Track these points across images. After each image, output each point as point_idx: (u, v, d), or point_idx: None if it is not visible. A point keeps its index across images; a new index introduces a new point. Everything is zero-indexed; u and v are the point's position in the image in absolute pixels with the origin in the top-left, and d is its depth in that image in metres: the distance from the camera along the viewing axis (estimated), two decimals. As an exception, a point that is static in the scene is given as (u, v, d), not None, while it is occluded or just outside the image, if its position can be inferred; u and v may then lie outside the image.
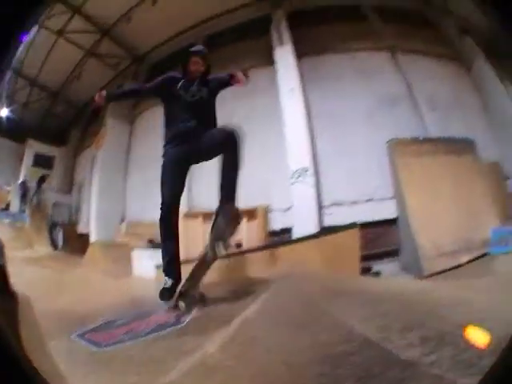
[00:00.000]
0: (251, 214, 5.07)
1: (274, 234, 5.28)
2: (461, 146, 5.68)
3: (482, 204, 5.56)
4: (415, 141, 5.32)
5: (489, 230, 5.18)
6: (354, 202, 5.16)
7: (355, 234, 4.13)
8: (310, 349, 1.59)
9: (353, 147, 5.39)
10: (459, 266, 4.49)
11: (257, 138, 4.99)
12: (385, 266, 4.78)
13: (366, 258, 4.42)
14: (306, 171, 5.11)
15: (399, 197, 4.95)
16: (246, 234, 4.89)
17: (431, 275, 4.32)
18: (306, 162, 5.17)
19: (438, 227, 4.81)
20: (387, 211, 5.07)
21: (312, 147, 5.32)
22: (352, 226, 4.25)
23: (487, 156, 6.30)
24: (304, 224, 4.89)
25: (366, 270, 4.40)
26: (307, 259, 3.82)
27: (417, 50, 6.50)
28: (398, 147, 5.09)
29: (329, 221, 5.02)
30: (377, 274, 4.60)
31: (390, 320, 1.86)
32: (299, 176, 5.13)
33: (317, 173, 5.19)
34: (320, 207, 5.08)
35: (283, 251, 4.07)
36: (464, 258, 4.64)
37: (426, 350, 1.46)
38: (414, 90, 6.04)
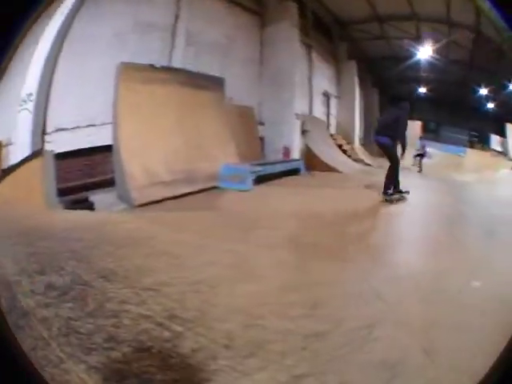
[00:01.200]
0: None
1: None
2: (205, 83, 5.60)
3: (217, 140, 5.51)
4: (150, 68, 4.95)
5: (220, 164, 5.20)
6: (76, 128, 4.65)
7: (39, 165, 3.73)
8: None
9: (90, 72, 4.81)
10: (177, 196, 4.34)
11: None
12: (103, 196, 4.36)
13: (82, 187, 4.19)
14: (30, 97, 4.47)
15: (115, 123, 4.48)
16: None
17: (143, 205, 4.04)
18: (33, 87, 4.46)
19: (154, 156, 4.48)
20: (107, 138, 4.59)
21: (45, 72, 4.55)
22: (31, 157, 3.87)
23: (246, 101, 6.88)
24: (22, 151, 4.33)
25: (78, 202, 4.04)
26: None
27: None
28: (126, 71, 4.57)
29: (51, 147, 4.40)
30: (88, 205, 4.11)
31: (35, 260, 1.94)
32: (24, 102, 4.51)
33: (45, 99, 4.51)
34: (42, 133, 4.47)
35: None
36: (182, 189, 4.48)
37: (45, 299, 1.52)
38: (179, 22, 5.91)
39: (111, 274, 1.84)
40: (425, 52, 12.89)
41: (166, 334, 1.39)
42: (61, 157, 4.10)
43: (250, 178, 5.16)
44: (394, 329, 1.74)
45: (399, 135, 4.60)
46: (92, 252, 2.17)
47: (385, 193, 4.53)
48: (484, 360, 1.26)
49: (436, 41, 12.07)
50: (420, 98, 19.22)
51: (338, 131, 12.02)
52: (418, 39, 12.55)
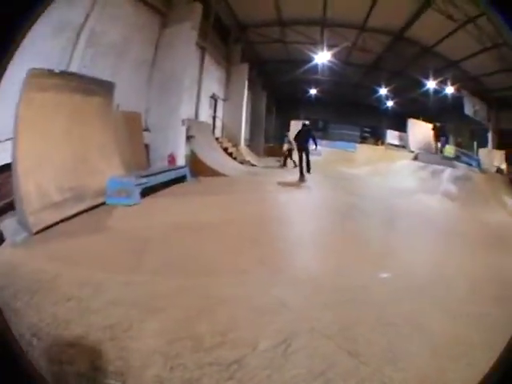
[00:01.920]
0: None
1: None
2: (95, 88, 5.27)
3: (103, 152, 5.24)
4: (49, 73, 4.53)
5: (106, 178, 4.99)
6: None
7: None
8: None
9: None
10: (70, 217, 4.15)
11: None
12: (9, 223, 3.91)
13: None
14: None
15: (14, 137, 4.02)
16: None
17: (40, 231, 3.77)
18: None
19: (46, 175, 4.16)
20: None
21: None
22: None
23: (134, 106, 6.72)
24: None
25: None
26: None
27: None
28: (30, 79, 4.14)
29: None
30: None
31: None
32: None
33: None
34: None
35: None
36: (73, 209, 4.28)
37: None
38: (88, 21, 5.65)
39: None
40: (323, 56, 13.81)
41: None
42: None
43: (137, 191, 5.26)
44: (310, 338, 1.79)
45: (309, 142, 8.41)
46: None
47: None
48: (410, 353, 1.62)
49: (339, 45, 13.14)
50: (310, 99, 20.38)
51: (224, 134, 12.53)
52: (319, 44, 13.56)
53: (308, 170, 8.56)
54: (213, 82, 11.66)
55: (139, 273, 2.89)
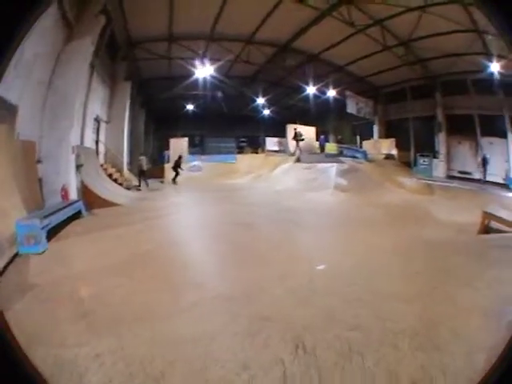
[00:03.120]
0: None
1: None
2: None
3: (4, 190, 4.49)
4: None
5: (14, 223, 4.26)
6: None
7: None
8: None
9: None
10: None
11: None
12: None
13: None
14: None
15: None
16: None
17: None
18: None
19: None
20: None
21: None
22: None
23: (29, 134, 5.76)
24: None
25: None
26: None
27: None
28: None
29: None
30: None
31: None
32: None
33: None
34: None
35: None
36: None
37: None
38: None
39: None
40: (206, 71, 13.86)
41: None
42: None
43: (44, 236, 4.63)
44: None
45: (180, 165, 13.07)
46: None
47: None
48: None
49: (222, 59, 13.29)
50: (188, 115, 20.39)
51: (107, 159, 11.63)
52: (203, 58, 13.63)
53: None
54: (97, 102, 10.80)
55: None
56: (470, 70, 12.40)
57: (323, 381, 1.88)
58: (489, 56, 11.12)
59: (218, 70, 14.32)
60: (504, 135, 12.60)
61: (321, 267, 3.62)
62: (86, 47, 7.64)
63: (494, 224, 5.41)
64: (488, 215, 5.57)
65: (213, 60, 13.84)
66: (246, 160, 16.93)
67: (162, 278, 3.59)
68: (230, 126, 21.42)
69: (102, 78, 10.86)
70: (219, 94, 17.83)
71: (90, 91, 9.47)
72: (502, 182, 12.28)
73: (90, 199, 7.59)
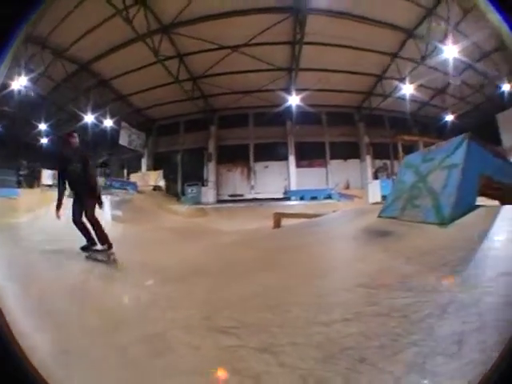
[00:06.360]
0: None
1: None
2: None
3: None
4: None
5: None
6: None
7: None
8: None
9: None
10: None
11: None
12: None
13: None
14: None
15: None
16: None
17: None
18: None
19: None
20: None
21: None
22: None
23: None
24: None
25: None
26: None
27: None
28: None
29: None
30: None
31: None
32: None
33: None
34: None
35: None
36: None
37: None
38: None
39: None
40: None
41: None
42: None
43: None
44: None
45: None
46: None
47: None
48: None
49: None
50: None
51: None
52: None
53: None
54: None
55: None
56: (251, 105, 15.01)
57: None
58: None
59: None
60: (284, 158, 15.84)
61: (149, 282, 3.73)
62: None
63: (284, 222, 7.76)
64: (277, 214, 8.03)
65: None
66: (28, 195, 13.14)
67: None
68: (15, 155, 16.31)
69: None
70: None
71: None
72: (282, 196, 15.24)
73: None
